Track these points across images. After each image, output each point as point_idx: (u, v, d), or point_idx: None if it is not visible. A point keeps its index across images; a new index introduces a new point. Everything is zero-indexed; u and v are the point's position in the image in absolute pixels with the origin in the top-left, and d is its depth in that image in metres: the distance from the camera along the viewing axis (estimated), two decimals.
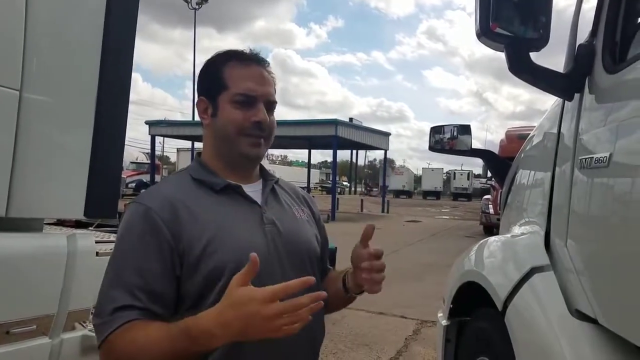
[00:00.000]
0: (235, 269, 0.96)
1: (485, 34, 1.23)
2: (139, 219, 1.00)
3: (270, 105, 1.11)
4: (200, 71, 1.15)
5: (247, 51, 1.13)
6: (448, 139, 2.51)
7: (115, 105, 2.17)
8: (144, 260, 0.96)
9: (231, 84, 1.08)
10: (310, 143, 24.48)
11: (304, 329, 0.86)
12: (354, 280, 1.12)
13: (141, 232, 0.98)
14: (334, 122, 18.44)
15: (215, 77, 1.10)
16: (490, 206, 12.85)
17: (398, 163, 66.53)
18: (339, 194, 22.75)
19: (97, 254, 2.21)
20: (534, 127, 2.11)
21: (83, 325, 2.09)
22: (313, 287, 1.05)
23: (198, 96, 1.14)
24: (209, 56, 1.16)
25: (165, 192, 1.05)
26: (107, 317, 0.93)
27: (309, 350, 1.12)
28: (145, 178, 26.20)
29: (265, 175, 1.19)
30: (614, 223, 1.12)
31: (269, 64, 1.13)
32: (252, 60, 1.11)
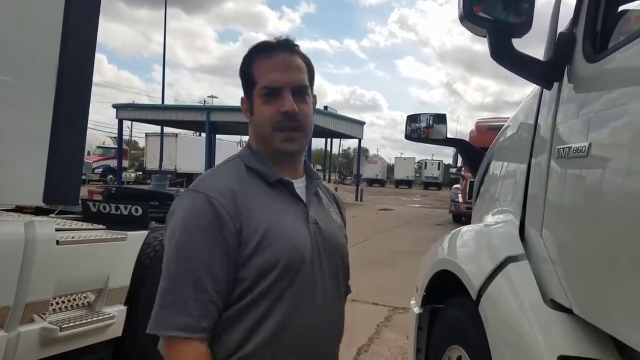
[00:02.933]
0: (286, 264, 1.01)
1: (468, 17, 1.20)
2: (202, 209, 0.99)
3: (300, 90, 1.07)
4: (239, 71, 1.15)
5: (275, 39, 1.09)
6: (424, 128, 2.51)
7: (77, 87, 2.06)
8: (214, 261, 0.98)
9: (258, 79, 1.07)
10: None
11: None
12: None
13: (208, 225, 0.98)
14: None
15: (246, 75, 1.10)
16: (460, 195, 13.10)
17: (372, 152, 67.08)
18: None
19: (58, 242, 2.11)
20: (504, 118, 2.12)
21: (42, 318, 1.99)
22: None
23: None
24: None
25: (223, 182, 1.04)
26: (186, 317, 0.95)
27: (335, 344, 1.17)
28: (113, 163, 25.42)
29: (310, 172, 1.18)
30: (590, 213, 1.12)
31: (297, 46, 1.09)
32: (276, 48, 1.08)
